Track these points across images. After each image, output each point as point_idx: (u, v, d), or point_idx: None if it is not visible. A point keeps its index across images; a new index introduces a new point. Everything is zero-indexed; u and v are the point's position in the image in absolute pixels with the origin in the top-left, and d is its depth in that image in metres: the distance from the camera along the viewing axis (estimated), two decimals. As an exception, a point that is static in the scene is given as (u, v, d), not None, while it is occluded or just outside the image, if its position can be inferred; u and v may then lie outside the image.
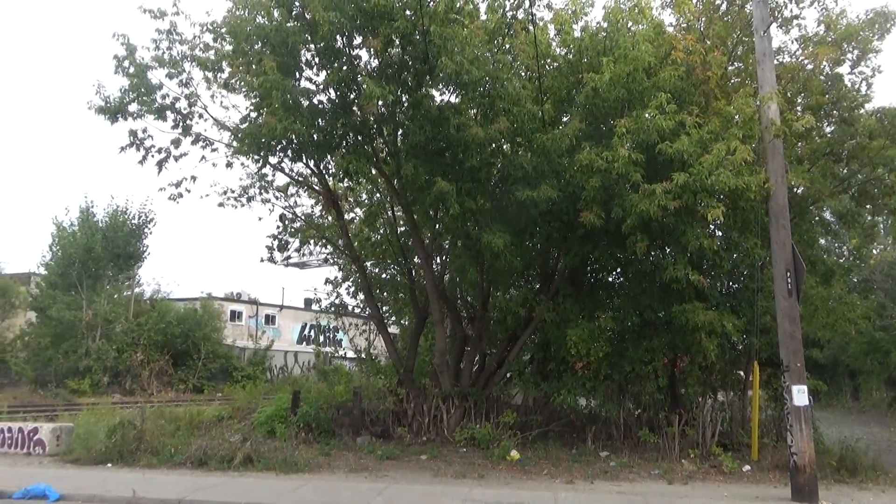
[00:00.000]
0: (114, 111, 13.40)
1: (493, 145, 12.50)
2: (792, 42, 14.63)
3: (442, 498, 8.80)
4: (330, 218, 17.41)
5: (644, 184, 10.76)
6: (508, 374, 15.44)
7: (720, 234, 13.63)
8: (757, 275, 12.88)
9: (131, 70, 13.23)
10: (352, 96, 12.05)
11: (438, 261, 16.32)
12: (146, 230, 41.28)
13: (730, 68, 14.02)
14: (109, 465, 11.13)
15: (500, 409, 14.10)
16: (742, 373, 14.54)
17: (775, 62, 11.96)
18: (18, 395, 28.68)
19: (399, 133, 13.20)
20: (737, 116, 11.55)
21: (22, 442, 12.34)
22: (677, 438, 12.42)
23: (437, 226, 15.18)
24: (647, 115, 11.34)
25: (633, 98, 11.94)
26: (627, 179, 10.95)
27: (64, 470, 10.84)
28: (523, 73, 13.37)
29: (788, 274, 9.82)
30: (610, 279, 15.66)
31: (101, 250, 37.90)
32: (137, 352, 31.91)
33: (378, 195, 17.07)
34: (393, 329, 18.33)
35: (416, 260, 16.41)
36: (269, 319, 49.48)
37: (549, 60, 13.73)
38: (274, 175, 15.99)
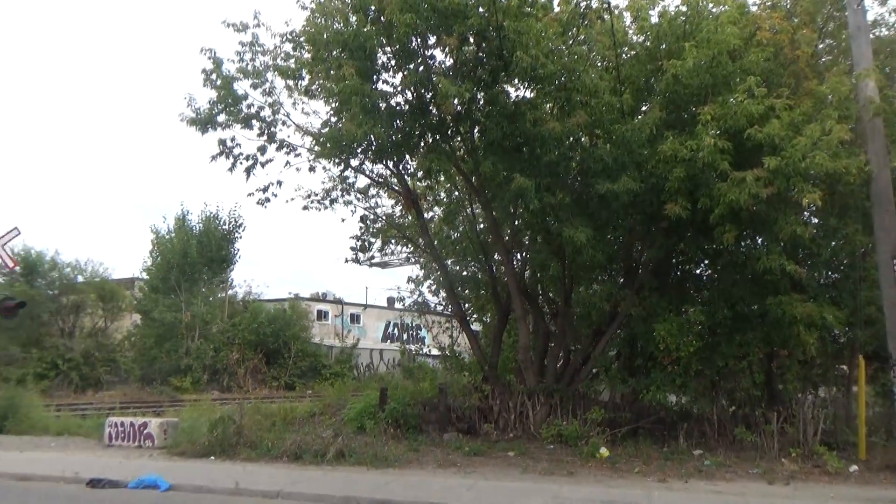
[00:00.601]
0: (204, 122, 14.09)
1: (571, 139, 12.33)
2: (889, 14, 13.72)
3: (531, 495, 8.78)
4: (410, 217, 17.69)
5: (732, 171, 10.35)
6: (594, 370, 15.19)
7: (816, 220, 12.94)
8: (859, 263, 12.14)
9: (218, 82, 13.88)
10: (428, 96, 12.18)
11: (519, 257, 16.26)
12: (236, 234, 43.22)
13: (820, 46, 13.28)
14: (212, 457, 11.76)
15: (586, 405, 13.90)
16: (846, 367, 13.75)
17: (871, 36, 11.22)
18: (128, 392, 30.65)
19: (476, 130, 13.24)
20: (830, 96, 10.93)
21: (133, 435, 13.23)
22: (776, 436, 11.85)
23: (517, 222, 15.13)
24: (732, 100, 10.90)
25: (718, 83, 11.50)
26: (714, 168, 10.57)
27: (171, 462, 11.52)
28: (599, 64, 13.12)
29: (895, 261, 9.20)
30: (698, 271, 15.16)
31: (196, 255, 39.97)
32: (233, 351, 33.60)
33: (457, 193, 17.17)
34: (475, 326, 18.41)
35: (496, 256, 16.42)
36: (354, 318, 50.67)
37: (625, 49, 13.42)
38: (356, 177, 16.39)
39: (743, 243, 12.42)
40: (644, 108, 13.04)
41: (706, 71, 11.32)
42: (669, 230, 12.29)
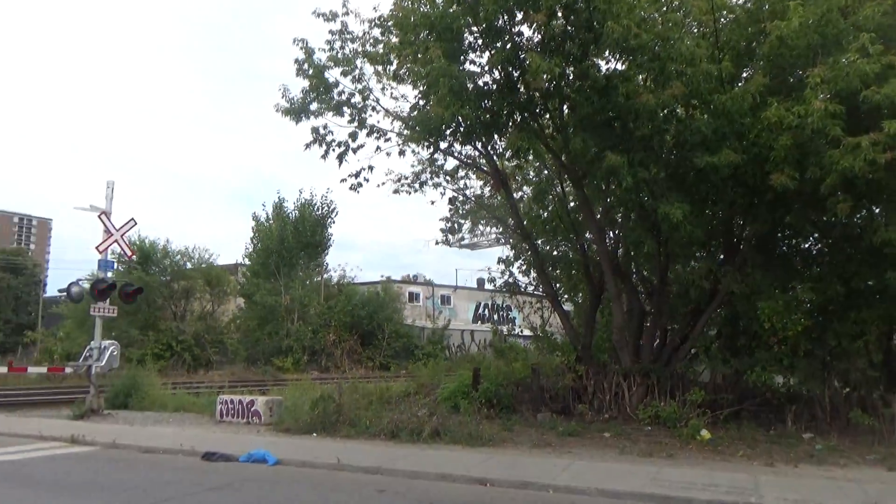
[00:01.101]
0: (297, 111, 14.54)
1: (666, 111, 11.84)
2: None
3: (630, 476, 8.62)
4: (499, 198, 17.64)
5: (845, 137, 9.63)
6: (693, 350, 14.69)
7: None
8: None
9: (310, 72, 14.26)
10: (516, 74, 12.03)
11: (612, 235, 15.88)
12: (329, 220, 44.56)
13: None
14: (314, 434, 12.27)
15: (685, 386, 13.46)
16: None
17: None
18: (235, 372, 32.37)
19: (565, 107, 12.98)
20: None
21: (242, 412, 14.00)
22: (896, 420, 11.08)
23: (609, 199, 14.75)
24: (844, 61, 10.11)
25: (828, 43, 10.68)
26: (825, 134, 9.86)
27: (277, 438, 12.11)
28: (696, 30, 12.49)
29: None
30: (806, 246, 14.29)
31: (293, 240, 41.56)
32: (329, 332, 34.87)
33: (546, 172, 16.93)
34: (567, 306, 18.19)
35: (588, 235, 16.11)
36: (445, 300, 51.27)
37: (724, 13, 12.68)
38: (445, 159, 16.47)
39: (858, 214, 11.58)
40: (745, 75, 12.34)
41: (814, 30, 10.54)
42: (775, 203, 11.62)
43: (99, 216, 15.72)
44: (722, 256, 14.43)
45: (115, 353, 15.55)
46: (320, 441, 11.69)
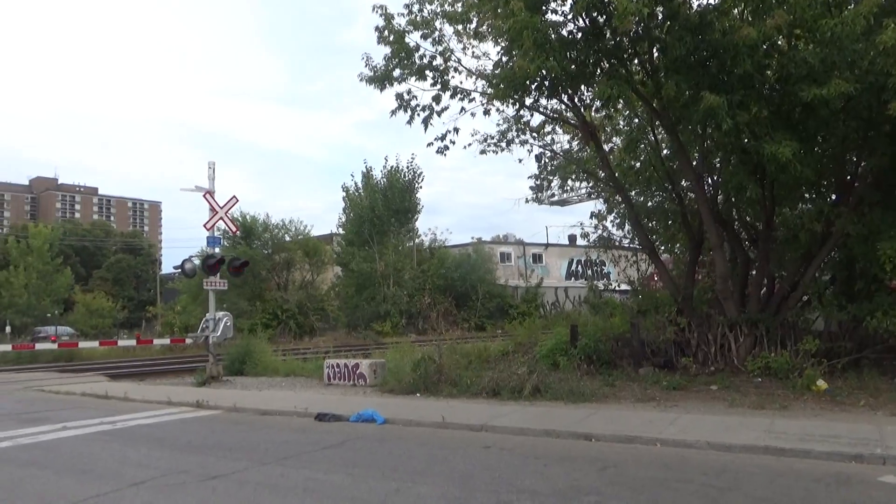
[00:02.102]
0: (381, 79, 14.63)
1: (767, 44, 11.05)
2: None
3: (741, 429, 8.36)
4: (588, 150, 17.18)
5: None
6: (805, 298, 13.93)
7: None
8: None
9: (391, 38, 14.27)
10: (601, 20, 11.55)
11: (710, 181, 15.18)
12: (417, 185, 45.00)
13: None
14: (417, 394, 12.64)
15: (797, 335, 12.83)
16: None
17: None
18: (337, 337, 33.75)
19: (655, 50, 12.39)
20: None
21: (348, 375, 14.61)
22: None
23: (707, 143, 14.05)
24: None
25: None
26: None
27: (382, 398, 12.57)
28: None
29: None
30: (931, 179, 13.09)
31: (383, 208, 42.35)
32: (424, 296, 35.36)
33: (637, 120, 16.31)
34: (665, 257, 17.64)
35: (684, 183, 15.47)
36: (537, 258, 50.96)
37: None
38: (531, 115, 16.16)
39: None
40: (856, -4, 11.29)
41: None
42: (893, 134, 10.69)
43: (204, 195, 16.59)
44: (834, 196, 13.50)
45: (228, 324, 16.55)
46: (424, 401, 12.03)
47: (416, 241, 44.32)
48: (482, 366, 13.95)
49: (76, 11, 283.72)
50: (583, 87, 13.46)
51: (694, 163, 14.14)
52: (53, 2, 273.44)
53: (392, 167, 44.02)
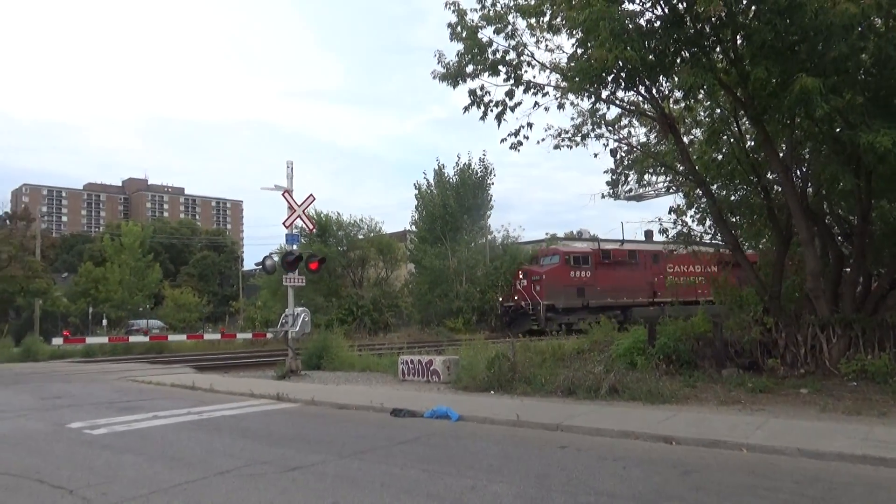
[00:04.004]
0: (453, 75, 14.64)
1: (863, 24, 10.36)
2: None
3: (835, 436, 7.89)
4: (667, 143, 16.64)
5: None
6: (905, 296, 13.03)
7: None
8: None
9: (463, 34, 14.25)
10: (682, 7, 11.14)
11: (799, 173, 14.41)
12: (488, 182, 44.87)
13: None
14: (491, 391, 12.59)
15: (896, 337, 12.01)
16: None
17: None
18: (411, 333, 34.11)
19: (739, 37, 11.84)
20: None
21: (422, 371, 14.72)
22: None
23: (795, 133, 13.34)
24: None
25: None
26: None
27: (456, 395, 12.59)
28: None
29: None
30: None
31: (455, 205, 42.45)
32: (497, 293, 35.36)
33: (719, 111, 15.66)
34: (748, 253, 16.89)
35: (770, 176, 14.76)
36: (611, 254, 49.84)
37: None
38: (607, 108, 15.81)
39: None
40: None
41: None
42: None
43: (282, 194, 17.09)
44: (939, 188, 12.56)
45: (306, 319, 17.00)
46: (498, 398, 11.97)
47: (489, 237, 44.21)
48: (556, 364, 13.75)
49: (164, 21, 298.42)
50: (661, 77, 13.02)
51: (781, 154, 13.45)
52: (141, 14, 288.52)
53: (464, 164, 44.09)
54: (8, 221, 40.91)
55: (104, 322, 45.94)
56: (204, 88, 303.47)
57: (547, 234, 47.13)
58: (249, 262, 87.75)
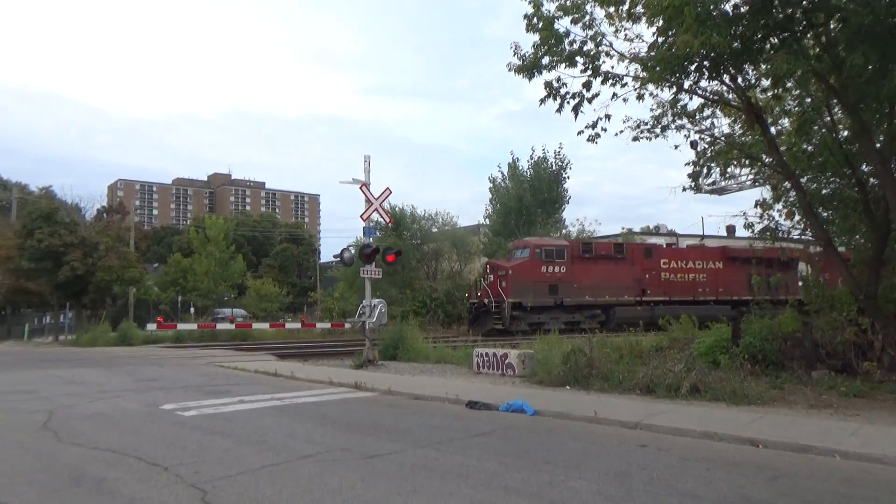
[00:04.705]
0: (529, 67, 14.49)
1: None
2: None
3: (940, 444, 7.40)
4: (752, 134, 15.94)
5: None
6: None
7: None
8: None
9: (539, 25, 14.07)
10: (771, -10, 10.64)
11: (899, 164, 13.49)
12: (564, 175, 44.32)
13: None
14: (567, 387, 12.47)
15: None
16: None
17: None
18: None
19: (833, 21, 11.20)
20: None
21: (496, 364, 14.74)
22: None
23: (894, 122, 12.50)
24: None
25: None
26: None
27: (531, 389, 12.55)
28: None
29: None
30: None
31: (530, 198, 42.17)
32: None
33: (809, 100, 14.86)
34: (841, 250, 15.98)
35: (866, 168, 13.91)
36: (692, 250, 48.25)
37: None
38: (689, 98, 15.29)
39: None
40: None
41: None
42: None
43: (360, 188, 17.44)
44: None
45: (383, 311, 17.32)
46: (574, 394, 11.85)
47: (564, 231, 43.69)
48: (634, 361, 13.47)
49: (246, 21, 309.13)
50: (748, 65, 12.49)
51: (878, 145, 12.66)
52: (223, 14, 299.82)
53: (539, 157, 43.70)
54: (105, 215, 43.56)
55: (191, 310, 48.26)
56: (284, 86, 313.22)
57: (623, 228, 46.08)
58: (326, 254, 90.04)
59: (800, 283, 35.64)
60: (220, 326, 27.08)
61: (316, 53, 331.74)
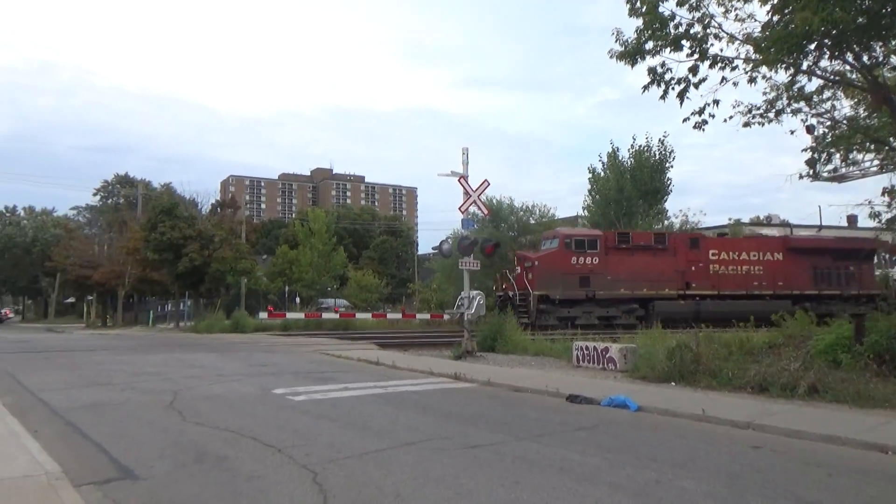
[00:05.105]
0: (632, 53, 14.04)
1: None
2: None
3: None
4: (879, 117, 14.74)
5: None
6: None
7: None
8: None
9: (643, 9, 13.60)
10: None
11: None
12: (667, 164, 42.69)
13: None
14: (672, 383, 12.06)
15: None
16: None
17: None
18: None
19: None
20: None
21: (597, 358, 14.48)
22: None
23: None
24: None
25: None
26: None
27: (634, 385, 12.23)
28: None
29: None
30: None
31: (631, 189, 40.95)
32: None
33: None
34: None
35: None
36: (808, 241, 45.31)
37: None
38: (808, 80, 14.34)
39: None
40: None
41: None
42: None
43: (458, 180, 17.57)
44: None
45: (481, 302, 17.42)
46: (679, 390, 11.45)
47: (666, 223, 42.13)
48: (745, 357, 12.82)
49: (345, 18, 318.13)
50: (874, 42, 11.55)
51: None
52: (322, 12, 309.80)
53: (640, 146, 42.29)
54: (219, 209, 46.18)
55: (297, 300, 50.40)
56: (381, 81, 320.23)
57: (730, 218, 43.89)
58: (423, 246, 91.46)
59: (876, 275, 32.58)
60: (326, 316, 28.16)
61: (411, 48, 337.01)
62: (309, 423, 8.64)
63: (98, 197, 79.65)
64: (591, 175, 43.88)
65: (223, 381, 12.93)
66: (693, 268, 30.57)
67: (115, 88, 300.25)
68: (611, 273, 29.26)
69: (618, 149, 42.86)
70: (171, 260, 37.54)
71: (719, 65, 13.94)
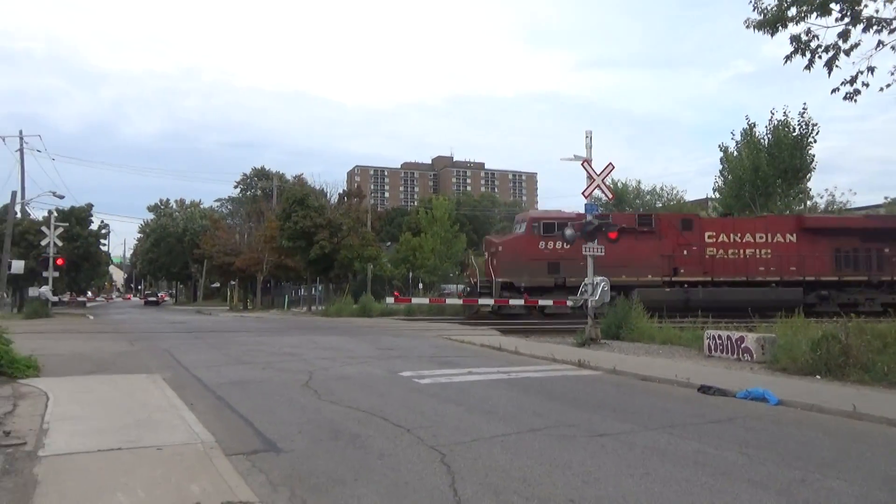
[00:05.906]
0: (772, 22, 13.08)
1: None
2: None
3: None
4: None
5: None
6: None
7: None
8: None
9: (786, -27, 12.61)
10: None
11: None
12: (809, 140, 39.48)
13: None
14: (817, 376, 11.20)
15: None
16: None
17: None
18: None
19: None
20: None
21: (731, 348, 13.72)
22: None
23: None
24: None
25: None
26: None
27: (773, 377, 11.48)
28: None
29: None
30: None
31: (767, 167, 38.27)
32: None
33: None
34: None
35: None
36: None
37: None
38: None
39: None
40: None
41: None
42: None
43: (582, 164, 17.20)
44: None
45: (605, 289, 17.01)
46: (825, 384, 10.61)
47: (808, 203, 39.03)
48: (903, 351, 11.66)
49: (461, 8, 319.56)
50: None
51: None
52: (439, 6, 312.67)
53: (779, 122, 39.31)
54: (345, 198, 48.15)
55: (420, 286, 51.66)
56: (501, 67, 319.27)
57: (886, 198, 39.81)
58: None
59: None
60: (449, 301, 28.70)
61: (530, 32, 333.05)
62: (435, 406, 8.85)
63: (238, 189, 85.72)
64: (722, 154, 41.44)
65: (354, 363, 13.53)
66: (685, 252, 27.98)
67: (252, 88, 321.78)
68: (583, 259, 27.55)
69: (754, 124, 40.11)
70: (304, 247, 39.72)
71: (875, 28, 12.68)
